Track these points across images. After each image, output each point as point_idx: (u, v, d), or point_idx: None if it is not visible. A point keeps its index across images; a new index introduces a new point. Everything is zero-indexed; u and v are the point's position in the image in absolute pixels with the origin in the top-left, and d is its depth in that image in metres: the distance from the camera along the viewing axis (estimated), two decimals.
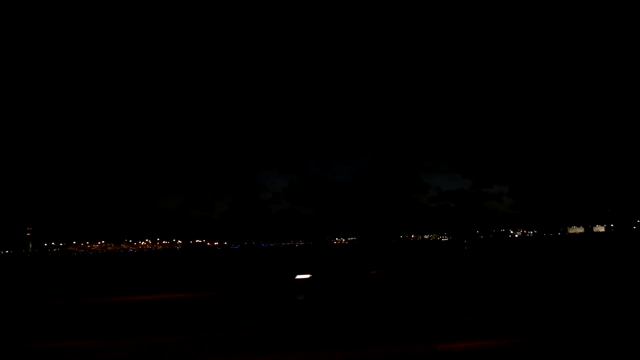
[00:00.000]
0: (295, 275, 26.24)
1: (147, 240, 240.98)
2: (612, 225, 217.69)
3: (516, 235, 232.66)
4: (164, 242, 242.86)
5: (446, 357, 8.34)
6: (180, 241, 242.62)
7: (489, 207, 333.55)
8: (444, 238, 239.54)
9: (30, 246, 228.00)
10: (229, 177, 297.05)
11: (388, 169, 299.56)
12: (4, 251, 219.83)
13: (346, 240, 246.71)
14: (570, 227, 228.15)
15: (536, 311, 12.64)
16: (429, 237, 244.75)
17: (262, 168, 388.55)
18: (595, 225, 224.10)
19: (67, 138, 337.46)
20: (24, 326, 13.83)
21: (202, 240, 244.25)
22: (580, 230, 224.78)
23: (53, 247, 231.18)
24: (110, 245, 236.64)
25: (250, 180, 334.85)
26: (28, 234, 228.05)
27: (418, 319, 12.13)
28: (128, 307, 17.22)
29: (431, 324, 11.39)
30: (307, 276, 25.71)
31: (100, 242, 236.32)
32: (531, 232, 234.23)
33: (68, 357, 9.49)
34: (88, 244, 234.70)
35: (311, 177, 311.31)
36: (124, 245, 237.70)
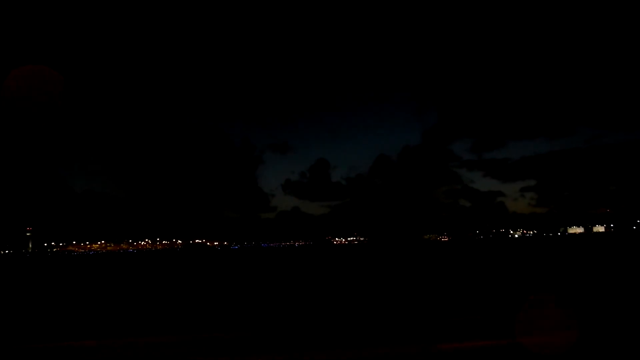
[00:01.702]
0: None
1: (147, 240, 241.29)
2: (612, 225, 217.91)
3: (516, 236, 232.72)
4: (164, 242, 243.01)
5: (446, 357, 8.31)
6: (180, 241, 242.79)
7: (506, 203, 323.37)
8: (444, 238, 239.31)
9: (30, 246, 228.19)
10: (229, 173, 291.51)
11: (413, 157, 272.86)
12: (4, 251, 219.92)
13: (346, 240, 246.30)
14: (570, 227, 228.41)
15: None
16: (429, 237, 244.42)
17: (262, 159, 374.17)
18: (595, 225, 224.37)
19: (66, 137, 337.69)
20: (24, 326, 13.81)
21: (202, 240, 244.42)
22: (580, 230, 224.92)
23: (53, 247, 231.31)
24: (110, 245, 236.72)
25: (252, 175, 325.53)
26: (28, 234, 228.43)
27: (418, 318, 12.10)
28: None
29: (432, 323, 11.36)
30: None
31: (100, 242, 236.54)
32: (531, 232, 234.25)
33: (66, 357, 9.46)
34: (88, 244, 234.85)
35: (318, 167, 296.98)
36: (124, 245, 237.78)
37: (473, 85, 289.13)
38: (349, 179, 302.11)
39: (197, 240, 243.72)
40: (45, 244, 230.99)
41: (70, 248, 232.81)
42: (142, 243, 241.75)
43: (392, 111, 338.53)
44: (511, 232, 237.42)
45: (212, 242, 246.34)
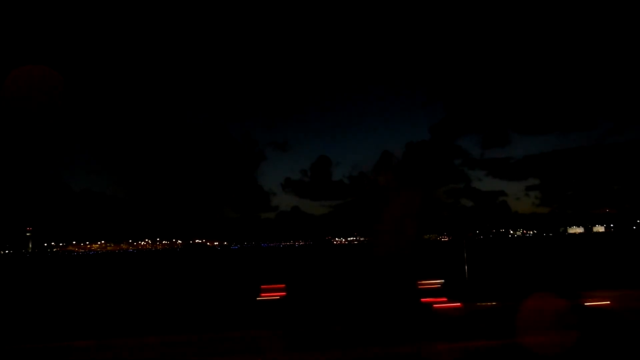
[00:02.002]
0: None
1: (147, 240, 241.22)
2: (612, 225, 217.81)
3: (516, 235, 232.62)
4: (164, 242, 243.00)
5: (446, 357, 8.31)
6: (180, 241, 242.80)
7: (509, 203, 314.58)
8: (444, 238, 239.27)
9: (30, 246, 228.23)
10: (230, 171, 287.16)
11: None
12: (4, 251, 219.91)
13: (346, 240, 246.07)
14: (570, 227, 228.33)
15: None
16: (429, 237, 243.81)
17: (264, 155, 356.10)
18: (595, 225, 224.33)
19: (65, 136, 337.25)
20: (24, 326, 13.81)
21: (202, 240, 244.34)
22: (580, 230, 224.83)
23: (53, 247, 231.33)
24: (110, 245, 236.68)
25: (253, 173, 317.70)
26: (28, 234, 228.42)
27: (417, 317, 12.08)
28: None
29: (431, 323, 11.35)
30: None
31: (100, 242, 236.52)
32: (531, 232, 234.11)
33: (66, 357, 9.47)
34: (88, 244, 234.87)
35: (320, 164, 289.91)
36: (124, 245, 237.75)
37: (484, 77, 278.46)
38: (351, 177, 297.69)
39: (197, 240, 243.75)
40: (45, 244, 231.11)
41: (70, 248, 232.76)
42: (142, 243, 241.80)
43: (397, 107, 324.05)
44: (511, 232, 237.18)
45: (212, 242, 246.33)
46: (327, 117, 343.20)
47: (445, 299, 12.30)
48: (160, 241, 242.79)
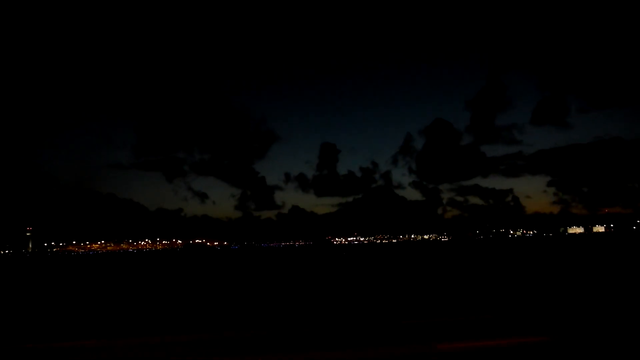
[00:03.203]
0: None
1: (147, 240, 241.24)
2: (612, 225, 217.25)
3: (516, 235, 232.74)
4: (163, 242, 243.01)
5: (446, 357, 8.31)
6: (180, 241, 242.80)
7: (520, 199, 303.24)
8: (444, 238, 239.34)
9: (30, 246, 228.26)
10: (231, 170, 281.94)
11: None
12: (4, 251, 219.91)
13: (346, 240, 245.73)
14: (570, 227, 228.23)
15: (536, 311, 12.61)
16: (429, 237, 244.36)
17: (277, 135, 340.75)
18: (595, 226, 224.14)
19: (66, 137, 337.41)
20: (24, 326, 13.82)
21: (202, 240, 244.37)
22: (580, 230, 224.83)
23: (53, 247, 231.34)
24: (110, 245, 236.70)
25: (251, 169, 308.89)
26: (28, 234, 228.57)
27: (420, 319, 12.09)
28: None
29: (432, 323, 11.36)
30: None
31: (100, 242, 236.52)
32: (531, 232, 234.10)
33: (66, 357, 9.46)
34: (88, 244, 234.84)
35: (326, 154, 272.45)
36: (124, 245, 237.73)
37: (538, 45, 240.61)
38: (363, 169, 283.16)
39: (197, 240, 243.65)
40: (45, 244, 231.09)
41: (70, 248, 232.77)
42: (142, 243, 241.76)
43: (422, 82, 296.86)
44: (511, 232, 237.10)
45: (212, 242, 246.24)
46: (334, 98, 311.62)
47: None
48: (160, 241, 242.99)
